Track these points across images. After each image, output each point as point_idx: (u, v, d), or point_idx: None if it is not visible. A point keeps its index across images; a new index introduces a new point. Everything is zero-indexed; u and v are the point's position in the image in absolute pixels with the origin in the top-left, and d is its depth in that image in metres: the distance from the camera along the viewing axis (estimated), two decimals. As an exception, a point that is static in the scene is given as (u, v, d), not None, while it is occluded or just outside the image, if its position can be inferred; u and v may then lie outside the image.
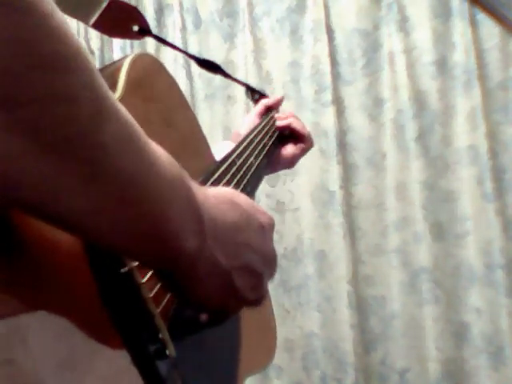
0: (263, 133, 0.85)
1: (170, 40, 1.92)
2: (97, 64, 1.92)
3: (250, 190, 0.65)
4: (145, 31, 0.76)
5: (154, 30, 1.95)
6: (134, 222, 0.30)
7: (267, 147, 0.83)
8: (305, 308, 1.83)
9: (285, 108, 1.09)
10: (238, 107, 1.94)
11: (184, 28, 1.99)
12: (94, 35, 1.94)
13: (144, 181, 0.30)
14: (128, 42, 1.99)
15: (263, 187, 1.87)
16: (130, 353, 0.36)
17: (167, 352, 0.39)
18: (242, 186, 0.62)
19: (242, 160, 0.65)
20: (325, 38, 1.88)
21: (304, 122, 1.05)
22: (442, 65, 1.81)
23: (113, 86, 0.46)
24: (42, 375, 0.29)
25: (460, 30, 1.78)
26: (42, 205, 0.26)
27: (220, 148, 0.73)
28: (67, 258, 0.34)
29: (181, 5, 2.00)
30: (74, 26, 1.94)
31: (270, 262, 0.43)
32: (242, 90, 1.93)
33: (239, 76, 1.90)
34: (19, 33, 0.23)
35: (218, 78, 1.96)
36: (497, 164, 1.74)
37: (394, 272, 1.79)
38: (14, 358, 0.28)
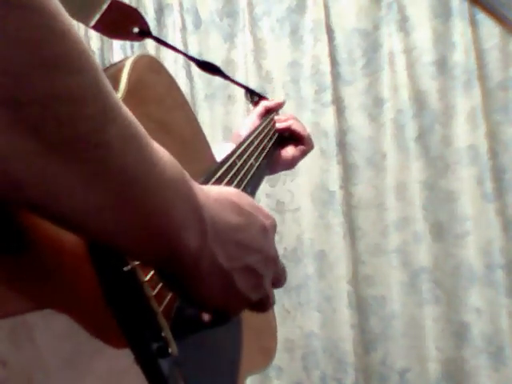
0: (263, 134, 0.85)
1: (170, 40, 1.92)
2: (97, 64, 1.91)
3: (250, 190, 0.65)
4: (145, 33, 0.76)
5: (154, 30, 1.95)
6: (135, 221, 0.30)
7: (267, 149, 0.83)
8: (305, 308, 1.83)
9: (285, 108, 1.09)
10: (238, 107, 1.94)
11: (184, 28, 1.99)
12: (94, 35, 1.93)
13: (146, 181, 0.30)
14: (128, 42, 1.99)
15: (263, 187, 1.87)
16: (133, 351, 0.36)
17: (169, 350, 0.39)
18: (242, 187, 0.62)
19: (242, 161, 0.66)
20: (325, 38, 1.88)
21: (304, 122, 1.05)
22: (442, 65, 1.81)
23: (115, 88, 0.46)
24: (46, 373, 0.29)
25: (460, 30, 1.78)
26: (45, 203, 0.27)
27: (220, 149, 0.73)
28: (71, 257, 0.34)
29: (181, 5, 2.00)
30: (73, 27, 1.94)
31: (271, 263, 0.43)
32: (242, 90, 1.93)
33: (239, 76, 1.90)
34: (25, 32, 0.23)
35: (218, 78, 1.95)
36: (497, 164, 1.74)
37: (394, 272, 1.79)
38: (19, 355, 0.28)
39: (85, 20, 0.69)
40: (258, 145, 0.79)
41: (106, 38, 1.97)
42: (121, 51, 1.99)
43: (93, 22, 0.68)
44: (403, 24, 1.84)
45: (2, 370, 0.26)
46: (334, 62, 1.89)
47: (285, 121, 0.96)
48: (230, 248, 0.38)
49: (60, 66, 0.24)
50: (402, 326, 1.76)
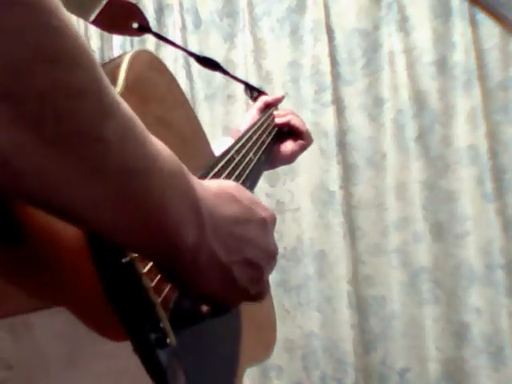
0: (262, 129, 0.85)
1: (171, 39, 1.92)
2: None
3: (248, 185, 0.65)
4: (144, 28, 0.76)
5: (154, 30, 1.95)
6: (134, 216, 0.31)
7: (266, 143, 0.83)
8: (305, 308, 1.83)
9: (284, 107, 1.08)
10: (237, 107, 1.94)
11: (184, 28, 1.99)
12: (94, 34, 1.93)
13: (145, 176, 0.30)
14: (128, 40, 1.99)
15: (263, 187, 1.87)
16: (132, 341, 0.37)
17: (168, 341, 0.40)
18: (240, 181, 0.62)
19: (240, 156, 0.66)
20: (325, 38, 1.88)
21: (304, 121, 1.05)
22: (442, 65, 1.81)
23: (112, 83, 0.46)
24: (46, 371, 0.29)
25: (460, 30, 1.78)
26: (45, 196, 0.27)
27: (219, 144, 0.73)
28: (70, 251, 0.35)
29: (181, 5, 2.00)
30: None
31: (270, 256, 0.43)
32: (242, 89, 1.93)
33: (239, 75, 1.90)
34: (26, 28, 0.23)
35: (218, 77, 1.96)
36: (497, 164, 1.74)
37: (394, 272, 1.79)
38: (20, 354, 0.28)
39: (84, 15, 0.69)
40: (257, 139, 0.79)
41: (106, 37, 1.97)
42: (121, 50, 1.99)
43: (92, 17, 0.69)
44: (403, 24, 1.84)
45: (4, 371, 0.27)
46: (334, 62, 1.89)
47: (284, 116, 0.96)
48: (229, 242, 0.38)
49: (59, 62, 0.25)
50: (402, 326, 1.75)
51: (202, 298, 0.39)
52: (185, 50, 0.91)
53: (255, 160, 0.72)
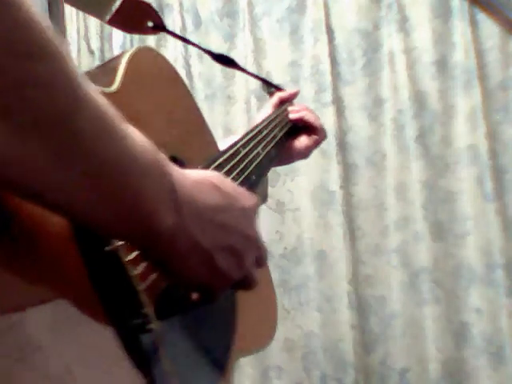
0: (273, 124, 0.85)
1: (170, 40, 1.92)
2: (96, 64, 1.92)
3: (254, 179, 0.65)
4: (159, 27, 0.77)
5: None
6: (107, 200, 0.32)
7: (277, 138, 0.83)
8: (305, 308, 1.83)
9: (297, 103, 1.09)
10: (238, 107, 1.94)
11: (184, 28, 1.99)
12: (94, 35, 1.94)
13: (118, 162, 0.31)
14: (128, 41, 1.99)
15: (263, 187, 1.87)
16: (114, 327, 0.37)
17: (150, 326, 0.40)
18: (245, 175, 0.62)
19: (247, 149, 0.66)
20: (325, 38, 1.88)
21: (318, 116, 1.04)
22: (442, 65, 1.81)
23: (112, 79, 0.47)
24: (29, 336, 0.30)
25: (460, 30, 1.78)
26: (19, 182, 0.28)
27: (229, 141, 0.74)
28: (58, 238, 0.35)
29: (181, 5, 2.00)
30: (73, 26, 1.94)
31: (252, 243, 0.44)
32: (241, 90, 1.93)
33: (239, 76, 1.91)
34: None
35: (218, 78, 1.96)
36: (497, 164, 1.74)
37: (394, 272, 1.79)
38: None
39: (100, 15, 0.70)
40: (268, 134, 0.79)
41: (106, 38, 1.97)
42: (121, 50, 1.99)
43: (108, 17, 0.70)
44: (403, 24, 1.84)
45: None
46: (333, 62, 1.89)
47: (298, 112, 0.96)
48: (209, 228, 0.39)
49: (29, 54, 0.26)
50: (402, 326, 1.75)
51: (185, 282, 0.40)
52: (200, 47, 0.92)
53: (263, 154, 0.72)
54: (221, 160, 0.56)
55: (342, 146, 1.86)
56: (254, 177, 0.65)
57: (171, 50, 1.95)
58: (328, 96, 1.86)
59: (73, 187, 0.29)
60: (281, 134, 0.86)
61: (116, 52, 2.00)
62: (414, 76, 1.82)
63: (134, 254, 0.41)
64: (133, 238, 0.35)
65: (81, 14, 1.95)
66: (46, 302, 0.32)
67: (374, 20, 1.88)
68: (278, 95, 1.01)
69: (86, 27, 1.95)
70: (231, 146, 0.62)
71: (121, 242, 0.39)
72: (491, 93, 1.76)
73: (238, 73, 1.94)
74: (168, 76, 0.59)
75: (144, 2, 0.75)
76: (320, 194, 1.85)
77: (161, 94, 0.57)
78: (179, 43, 1.93)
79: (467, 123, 1.76)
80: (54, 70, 0.27)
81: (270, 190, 1.87)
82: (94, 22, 1.98)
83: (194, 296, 0.45)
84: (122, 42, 2.00)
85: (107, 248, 0.39)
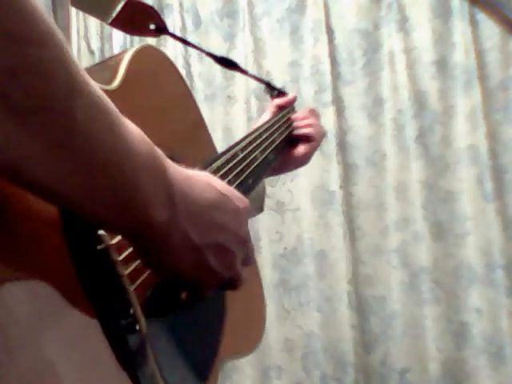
0: (274, 129, 0.85)
1: (170, 40, 1.92)
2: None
3: (251, 182, 0.65)
4: (161, 29, 0.77)
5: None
6: (101, 191, 0.31)
7: (276, 143, 0.83)
8: (305, 308, 1.83)
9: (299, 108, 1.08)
10: (238, 107, 1.94)
11: (184, 28, 1.99)
12: (94, 35, 1.94)
13: (112, 152, 0.31)
14: (128, 41, 1.99)
15: (263, 187, 1.87)
16: (102, 325, 0.37)
17: (137, 327, 0.40)
18: (241, 178, 0.61)
19: (245, 153, 0.65)
20: (325, 38, 1.88)
21: (320, 125, 1.04)
22: (442, 65, 1.81)
23: (113, 75, 0.47)
24: (15, 323, 0.30)
25: (460, 30, 1.78)
26: (12, 169, 0.28)
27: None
28: (46, 227, 0.35)
29: (181, 5, 2.00)
30: (73, 26, 1.94)
31: (242, 243, 0.44)
32: (241, 90, 1.93)
33: (239, 76, 1.90)
34: None
35: (218, 78, 1.96)
36: (497, 164, 1.74)
37: (394, 272, 1.79)
38: None
39: (103, 17, 0.71)
40: (267, 138, 0.79)
41: (106, 38, 1.97)
42: (121, 50, 1.99)
43: (110, 19, 0.70)
44: (403, 24, 1.84)
45: None
46: (333, 62, 1.89)
47: (303, 127, 0.96)
48: (202, 225, 0.39)
49: (27, 41, 0.26)
50: (402, 326, 1.75)
51: (174, 278, 0.40)
52: (203, 50, 0.92)
53: (261, 158, 0.72)
54: (218, 162, 0.56)
55: (342, 145, 1.86)
56: (250, 180, 0.64)
57: (171, 49, 1.95)
58: (328, 96, 1.86)
59: (67, 175, 0.29)
60: (280, 139, 0.86)
61: (116, 52, 2.00)
62: (414, 76, 1.82)
63: (125, 253, 0.41)
64: (125, 229, 0.35)
65: (81, 14, 1.95)
66: (29, 295, 0.32)
67: (374, 20, 1.88)
68: (274, 103, 1.01)
69: (86, 27, 1.95)
70: (229, 149, 0.62)
71: (113, 241, 0.39)
72: (491, 93, 1.76)
73: (237, 73, 1.94)
74: (170, 75, 0.59)
75: (146, 5, 0.76)
76: (320, 194, 1.85)
77: (162, 93, 0.57)
78: (179, 43, 1.93)
79: (467, 123, 1.76)
80: (52, 57, 0.27)
81: (270, 189, 1.88)
82: (94, 22, 1.98)
83: (183, 295, 0.45)
84: (122, 42, 2.00)
85: (99, 246, 0.39)
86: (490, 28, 1.77)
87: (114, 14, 0.70)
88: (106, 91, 0.33)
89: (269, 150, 0.78)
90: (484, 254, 1.71)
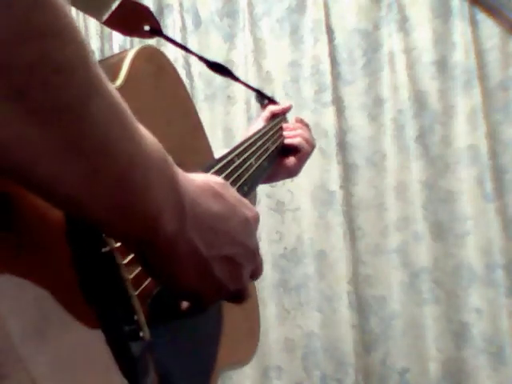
0: (267, 136, 0.85)
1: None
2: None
3: (247, 189, 0.64)
4: (156, 31, 0.77)
5: (154, 30, 1.95)
6: (112, 196, 0.31)
7: (269, 151, 0.83)
8: (305, 308, 1.83)
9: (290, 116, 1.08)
10: (238, 107, 1.94)
11: (184, 28, 1.99)
12: (94, 35, 1.94)
13: (126, 157, 0.30)
14: (128, 41, 1.99)
15: (263, 187, 1.87)
16: (104, 332, 0.36)
17: (141, 334, 0.39)
18: (238, 185, 0.61)
19: (241, 159, 0.65)
20: (325, 38, 1.88)
21: (311, 137, 1.03)
22: (442, 65, 1.81)
23: (114, 76, 0.46)
24: (7, 336, 0.28)
25: (460, 30, 1.78)
26: (22, 168, 0.27)
27: (222, 153, 0.74)
28: (52, 230, 0.34)
29: (181, 5, 2.00)
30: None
31: (251, 255, 0.43)
32: (241, 90, 1.93)
33: (239, 76, 1.90)
34: (15, 2, 0.24)
35: (218, 78, 1.96)
36: (497, 164, 1.74)
37: (394, 272, 1.79)
38: None
39: (97, 15, 0.70)
40: (261, 146, 0.79)
41: (106, 38, 1.97)
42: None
43: (105, 18, 0.69)
44: (403, 24, 1.84)
45: None
46: (334, 62, 1.89)
47: (293, 137, 0.95)
48: (210, 236, 0.38)
49: (47, 36, 0.25)
50: (402, 326, 1.76)
51: (178, 289, 0.39)
52: (196, 54, 0.91)
53: (256, 165, 0.71)
54: (215, 169, 0.56)
55: (342, 146, 1.86)
56: (246, 187, 0.64)
57: (171, 49, 1.95)
58: (328, 96, 1.86)
59: (78, 178, 0.28)
60: (273, 147, 0.86)
61: (116, 52, 2.00)
62: (414, 76, 1.82)
63: (130, 257, 0.40)
64: (131, 237, 0.34)
65: (81, 14, 1.95)
66: (30, 298, 0.30)
67: (374, 20, 1.88)
68: (270, 109, 1.00)
69: (86, 27, 1.95)
70: (226, 155, 0.61)
71: (117, 244, 0.38)
72: (491, 93, 1.76)
73: (238, 73, 1.93)
74: (171, 77, 0.59)
75: (142, 5, 0.75)
76: (320, 194, 1.85)
77: (162, 95, 0.56)
78: (180, 42, 1.93)
79: (467, 123, 1.76)
80: (73, 54, 0.27)
81: (270, 189, 1.88)
82: (94, 22, 1.98)
83: (184, 305, 0.44)
84: (122, 42, 1.99)
85: (104, 249, 0.38)
86: (490, 28, 1.77)
87: (108, 13, 0.70)
88: None
89: (263, 158, 0.77)
90: (484, 254, 1.71)
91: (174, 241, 0.35)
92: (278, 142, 0.91)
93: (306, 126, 1.01)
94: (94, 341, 0.35)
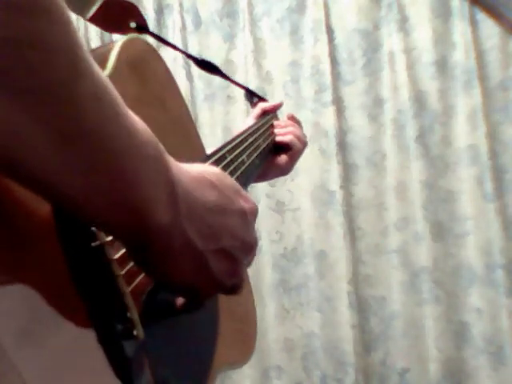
0: (258, 133, 0.83)
1: (170, 40, 1.92)
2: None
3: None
4: (142, 28, 0.75)
5: (154, 30, 1.95)
6: (103, 186, 0.29)
7: (261, 148, 0.81)
8: (305, 308, 1.83)
9: (285, 108, 1.08)
10: (237, 107, 1.94)
11: (184, 28, 1.99)
12: (94, 35, 1.94)
13: (117, 144, 0.29)
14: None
15: (263, 187, 1.87)
16: (96, 330, 0.35)
17: (134, 332, 0.38)
18: None
19: (233, 156, 0.63)
20: (325, 38, 1.88)
21: (304, 122, 1.03)
22: (442, 65, 1.81)
23: (102, 66, 0.45)
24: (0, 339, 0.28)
25: (460, 30, 1.78)
26: (7, 156, 0.26)
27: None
28: (40, 226, 0.33)
29: (181, 5, 2.00)
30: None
31: (249, 248, 0.41)
32: (241, 90, 1.93)
33: (239, 76, 1.90)
34: None
35: (218, 78, 1.95)
36: (497, 164, 1.74)
37: (394, 272, 1.79)
38: None
39: (81, 12, 0.68)
40: (252, 143, 0.77)
41: (106, 38, 1.97)
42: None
43: (89, 15, 0.68)
44: (403, 24, 1.84)
45: None
46: (334, 62, 1.89)
47: (284, 134, 0.94)
48: (205, 229, 0.37)
49: (33, 13, 0.24)
50: (402, 326, 1.76)
51: (173, 284, 0.37)
52: (184, 52, 0.90)
53: (248, 162, 0.70)
54: (207, 164, 0.54)
55: (342, 146, 1.86)
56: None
57: (171, 49, 1.95)
58: (328, 96, 1.86)
59: (67, 164, 0.27)
60: (264, 144, 0.85)
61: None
62: (414, 76, 1.82)
63: (121, 252, 0.38)
64: (122, 231, 0.32)
65: (81, 14, 1.95)
66: (18, 297, 0.29)
67: (374, 20, 1.88)
68: (260, 107, 0.98)
69: (86, 27, 1.95)
70: (217, 151, 0.60)
71: (108, 238, 0.37)
72: (491, 93, 1.76)
73: (238, 73, 1.94)
74: (158, 68, 0.58)
75: (128, 2, 0.73)
76: (320, 194, 1.85)
77: (150, 86, 0.55)
78: (179, 43, 1.93)
79: (467, 123, 1.76)
80: (58, 32, 0.25)
81: (270, 189, 1.88)
82: (94, 22, 1.98)
83: (179, 301, 0.43)
84: (122, 42, 1.99)
85: (94, 243, 0.36)
86: (489, 28, 1.77)
87: (93, 10, 0.68)
88: None
89: (255, 155, 0.76)
90: (484, 254, 1.71)
91: (168, 234, 0.34)
92: (270, 139, 0.89)
93: (298, 123, 0.99)
94: (86, 341, 0.34)
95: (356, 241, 1.83)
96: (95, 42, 1.94)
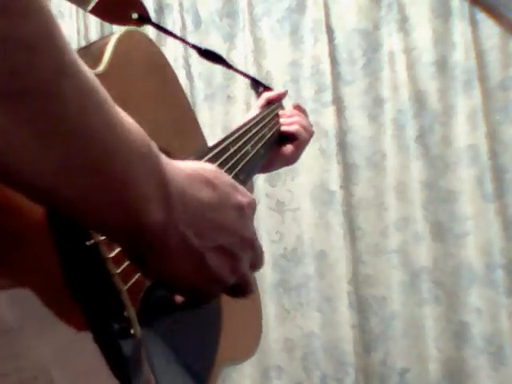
0: (263, 123, 0.82)
1: (169, 40, 1.92)
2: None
3: (243, 178, 0.62)
4: (144, 19, 0.74)
5: (154, 31, 1.95)
6: (93, 186, 0.29)
7: (265, 138, 0.80)
8: (305, 308, 1.82)
9: (287, 106, 1.08)
10: (237, 107, 1.94)
11: (184, 28, 1.99)
12: (94, 35, 1.93)
13: (106, 143, 0.29)
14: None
15: (263, 187, 1.87)
16: (93, 330, 0.34)
17: (132, 331, 0.37)
18: (234, 173, 0.59)
19: (236, 147, 0.62)
20: (325, 38, 1.88)
21: (308, 124, 1.03)
22: (442, 65, 1.81)
23: (98, 60, 0.45)
24: None
25: (460, 30, 1.78)
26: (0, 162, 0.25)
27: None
28: (34, 227, 0.33)
29: (181, 5, 2.00)
30: (73, 26, 1.94)
31: (247, 244, 0.40)
32: (241, 90, 1.93)
33: (239, 76, 1.90)
34: None
35: (218, 78, 1.96)
36: (497, 164, 1.74)
37: (394, 272, 1.79)
38: None
39: (82, 4, 0.67)
40: (257, 133, 0.76)
41: (106, 31, 1.97)
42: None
43: (90, 6, 0.67)
44: (403, 24, 1.84)
45: None
46: (334, 62, 1.89)
47: (290, 124, 0.93)
48: (201, 226, 0.36)
49: (7, 11, 0.23)
50: (402, 326, 1.75)
51: (171, 284, 0.37)
52: (186, 42, 0.90)
53: (253, 152, 0.69)
54: (209, 156, 0.53)
55: (342, 146, 1.86)
56: (241, 176, 0.61)
57: (171, 49, 1.95)
58: (328, 96, 1.86)
59: (55, 165, 0.26)
60: (270, 134, 0.83)
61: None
62: (414, 76, 1.82)
63: (117, 250, 0.38)
64: (116, 230, 0.32)
65: (81, 13, 1.95)
66: (11, 304, 0.29)
67: (374, 20, 1.88)
68: (264, 97, 0.97)
69: (86, 27, 1.95)
70: (220, 142, 0.58)
71: (103, 237, 0.36)
72: (491, 93, 1.76)
73: (237, 73, 1.94)
74: (156, 61, 0.57)
75: None
76: (320, 194, 1.85)
77: (148, 79, 0.54)
78: (179, 43, 1.93)
79: (467, 123, 1.76)
80: (38, 31, 0.25)
81: (270, 189, 1.88)
82: (94, 23, 1.98)
83: (178, 299, 0.41)
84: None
85: (88, 242, 0.35)
86: (489, 28, 1.77)
87: (94, 1, 0.67)
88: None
89: (260, 145, 0.75)
90: (484, 254, 1.71)
91: (163, 232, 0.33)
92: (275, 128, 0.88)
93: (304, 112, 0.98)
94: (82, 341, 0.33)
95: (356, 241, 1.83)
96: (94, 36, 1.93)
